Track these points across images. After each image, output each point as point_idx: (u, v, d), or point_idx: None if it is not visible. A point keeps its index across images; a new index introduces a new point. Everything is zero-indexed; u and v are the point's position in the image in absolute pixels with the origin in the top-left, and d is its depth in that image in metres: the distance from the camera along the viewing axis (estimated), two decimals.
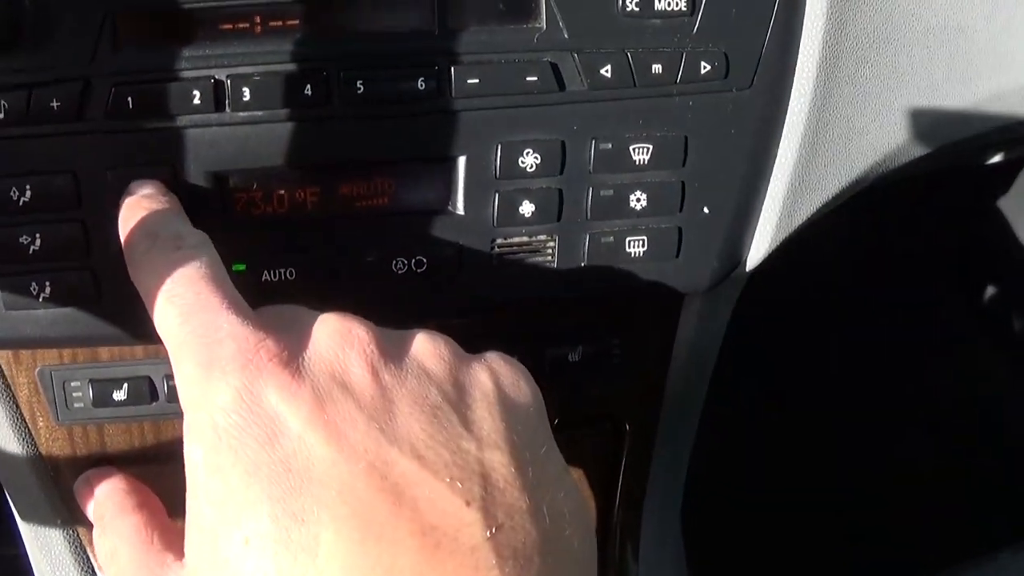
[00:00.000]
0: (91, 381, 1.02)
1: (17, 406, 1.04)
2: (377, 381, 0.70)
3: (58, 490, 1.08)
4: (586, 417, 1.08)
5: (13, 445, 1.06)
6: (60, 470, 1.07)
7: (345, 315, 0.75)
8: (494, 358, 0.78)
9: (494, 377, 0.73)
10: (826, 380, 1.87)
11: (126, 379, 1.02)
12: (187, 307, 0.71)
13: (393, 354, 0.71)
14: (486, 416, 0.70)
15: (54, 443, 1.06)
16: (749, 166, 0.96)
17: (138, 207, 0.84)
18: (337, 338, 0.70)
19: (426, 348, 0.73)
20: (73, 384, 1.03)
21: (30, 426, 1.05)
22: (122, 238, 0.83)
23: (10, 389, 1.04)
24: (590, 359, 1.03)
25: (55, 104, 0.83)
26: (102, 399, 1.02)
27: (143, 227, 0.82)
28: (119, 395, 1.02)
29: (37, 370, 1.03)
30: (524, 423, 0.72)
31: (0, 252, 0.89)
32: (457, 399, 0.71)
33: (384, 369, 0.70)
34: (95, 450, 1.06)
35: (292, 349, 0.69)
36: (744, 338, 1.18)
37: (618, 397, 1.09)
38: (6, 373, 1.03)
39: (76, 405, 1.03)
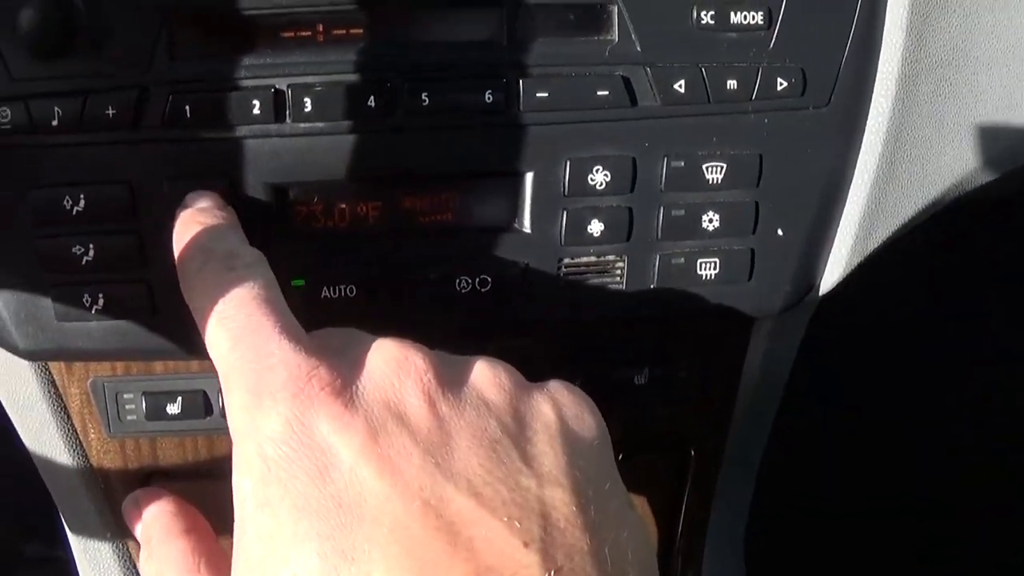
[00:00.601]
0: (144, 394, 0.98)
1: (68, 417, 1.01)
2: (434, 412, 0.65)
3: (108, 503, 1.05)
4: (650, 441, 1.04)
5: (63, 456, 1.02)
6: (111, 483, 1.04)
7: (402, 341, 0.70)
8: (557, 388, 0.73)
9: (557, 408, 0.69)
10: (894, 397, 1.85)
11: (180, 392, 0.99)
12: (238, 330, 0.68)
13: (451, 383, 0.67)
14: (547, 450, 0.66)
15: (105, 455, 1.02)
16: (825, 187, 0.90)
17: (193, 221, 0.80)
18: (393, 365, 0.66)
19: (486, 377, 0.68)
20: (126, 396, 0.99)
21: (81, 437, 1.02)
22: (175, 253, 0.79)
23: (61, 399, 1.00)
24: (656, 382, 0.99)
25: (110, 112, 0.80)
26: (155, 412, 0.98)
27: (197, 243, 0.77)
28: (173, 409, 0.98)
29: (89, 381, 0.99)
30: (587, 458, 0.68)
31: (52, 262, 0.86)
32: (517, 432, 0.67)
33: (442, 399, 0.66)
34: (147, 463, 1.03)
35: (346, 377, 0.65)
36: (813, 359, 1.12)
37: (683, 421, 1.04)
38: (58, 383, 0.99)
39: (129, 418, 0.99)
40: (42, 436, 1.02)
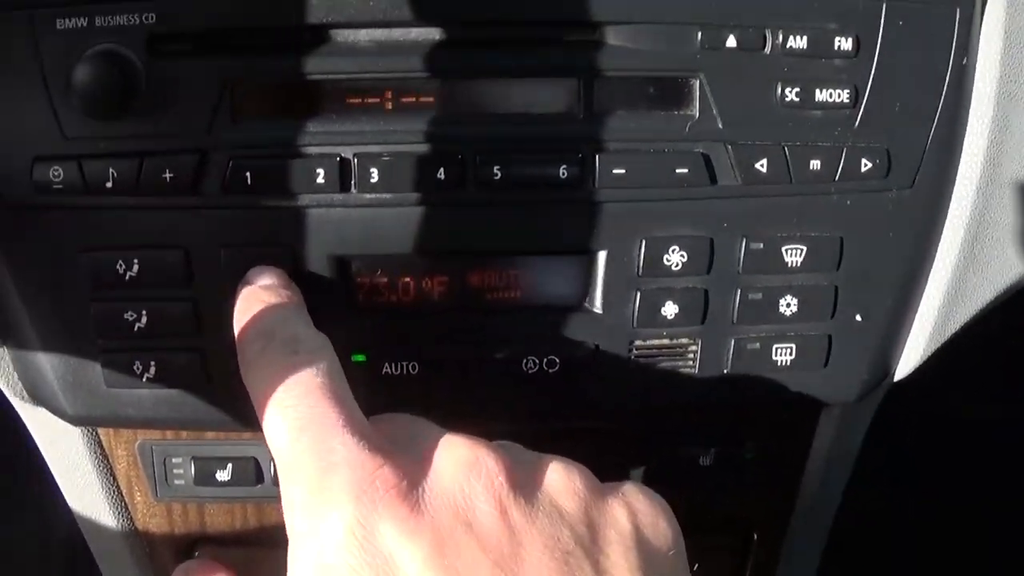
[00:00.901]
0: (194, 459, 0.94)
1: (114, 478, 0.96)
2: (505, 520, 0.61)
3: (153, 568, 1.00)
4: (711, 523, 0.97)
5: (108, 518, 0.98)
6: (156, 547, 0.99)
7: (473, 440, 0.65)
8: (632, 492, 0.67)
9: (632, 516, 0.65)
10: (968, 479, 1.75)
11: (231, 459, 0.93)
12: (299, 423, 0.64)
13: (524, 487, 0.63)
14: (621, 562, 0.62)
15: (151, 519, 0.98)
16: (905, 271, 0.86)
17: (255, 299, 0.74)
18: (463, 467, 0.62)
19: (560, 482, 0.64)
20: (174, 460, 0.94)
21: (127, 500, 0.97)
22: (236, 332, 0.73)
23: (107, 460, 0.95)
24: (722, 463, 0.95)
25: (168, 175, 0.77)
26: (204, 478, 0.94)
27: (258, 325, 0.72)
28: (223, 475, 0.94)
29: (137, 443, 0.94)
30: (661, 569, 0.64)
31: (103, 327, 0.81)
32: (591, 542, 0.62)
33: (513, 505, 0.62)
34: (194, 529, 0.98)
35: (412, 478, 0.61)
36: (883, 439, 1.09)
37: (747, 503, 1.00)
38: (104, 444, 0.95)
39: (177, 482, 0.95)
40: (87, 497, 0.97)
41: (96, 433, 0.94)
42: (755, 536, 1.03)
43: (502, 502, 0.62)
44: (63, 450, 0.95)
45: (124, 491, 0.96)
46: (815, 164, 0.81)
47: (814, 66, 0.80)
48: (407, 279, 0.82)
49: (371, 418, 0.68)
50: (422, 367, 0.83)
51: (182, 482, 0.94)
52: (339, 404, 0.64)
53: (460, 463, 0.62)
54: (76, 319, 0.81)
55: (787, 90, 0.80)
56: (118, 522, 0.97)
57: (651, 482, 0.88)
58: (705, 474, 0.95)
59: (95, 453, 0.94)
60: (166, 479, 0.94)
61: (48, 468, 0.97)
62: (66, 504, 0.98)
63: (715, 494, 0.97)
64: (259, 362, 0.68)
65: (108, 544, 1.00)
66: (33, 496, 1.33)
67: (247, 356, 0.70)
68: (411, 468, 0.62)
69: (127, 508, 0.97)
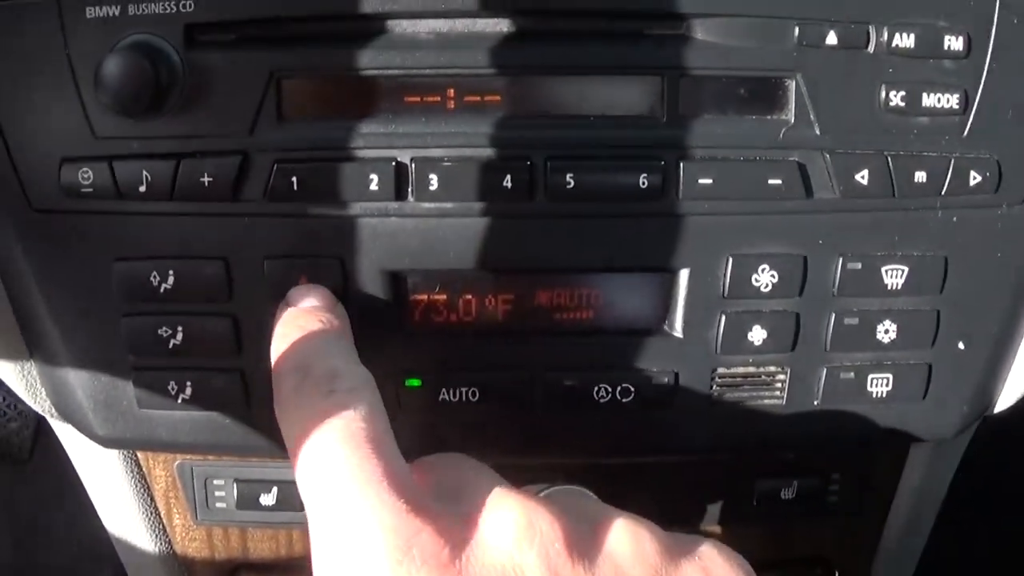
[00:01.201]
0: (236, 481, 0.87)
1: (152, 499, 0.89)
2: None
3: None
4: (791, 562, 0.93)
5: (146, 541, 0.91)
6: (195, 573, 0.93)
7: (528, 499, 0.56)
8: (709, 555, 0.58)
9: None
10: None
11: (276, 482, 0.87)
12: (331, 474, 0.57)
13: (585, 555, 0.55)
14: None
15: (190, 543, 0.91)
16: (1013, 295, 0.78)
17: (293, 326, 0.66)
18: (515, 534, 0.55)
19: (626, 547, 0.56)
20: (216, 483, 0.88)
21: (165, 522, 0.90)
22: (272, 362, 0.66)
23: (145, 481, 0.88)
24: (805, 497, 0.88)
25: (206, 179, 0.71)
26: (247, 502, 0.87)
27: (294, 356, 0.64)
28: (267, 499, 0.87)
29: (176, 463, 0.87)
30: None
31: (136, 344, 0.75)
32: None
33: None
34: (236, 555, 0.92)
35: (455, 543, 0.54)
36: (975, 469, 0.99)
37: (830, 539, 0.94)
38: (142, 463, 0.88)
39: (218, 505, 0.88)
40: (124, 519, 0.91)
41: (134, 452, 0.87)
42: (837, 574, 0.96)
43: (558, 573, 0.54)
44: (99, 469, 0.89)
45: (163, 513, 0.90)
46: (920, 176, 0.74)
47: (921, 67, 0.73)
48: (468, 297, 0.75)
49: (417, 461, 0.64)
50: (482, 394, 0.76)
51: (224, 505, 0.88)
52: (377, 453, 0.57)
53: (511, 527, 0.55)
54: (107, 334, 0.75)
55: (891, 94, 0.72)
56: (156, 546, 0.91)
57: (726, 519, 0.87)
58: (786, 508, 0.89)
59: (132, 473, 0.88)
60: (207, 502, 0.88)
61: (84, 488, 0.92)
62: (103, 526, 0.94)
63: (797, 529, 0.92)
64: (292, 400, 0.62)
65: (146, 569, 0.94)
66: (68, 518, 1.26)
67: (281, 393, 0.63)
68: (455, 530, 0.55)
69: (166, 531, 0.91)
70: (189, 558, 0.92)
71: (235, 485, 0.87)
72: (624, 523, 0.57)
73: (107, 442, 0.80)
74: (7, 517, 1.37)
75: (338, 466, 0.56)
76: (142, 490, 0.89)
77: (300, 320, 0.67)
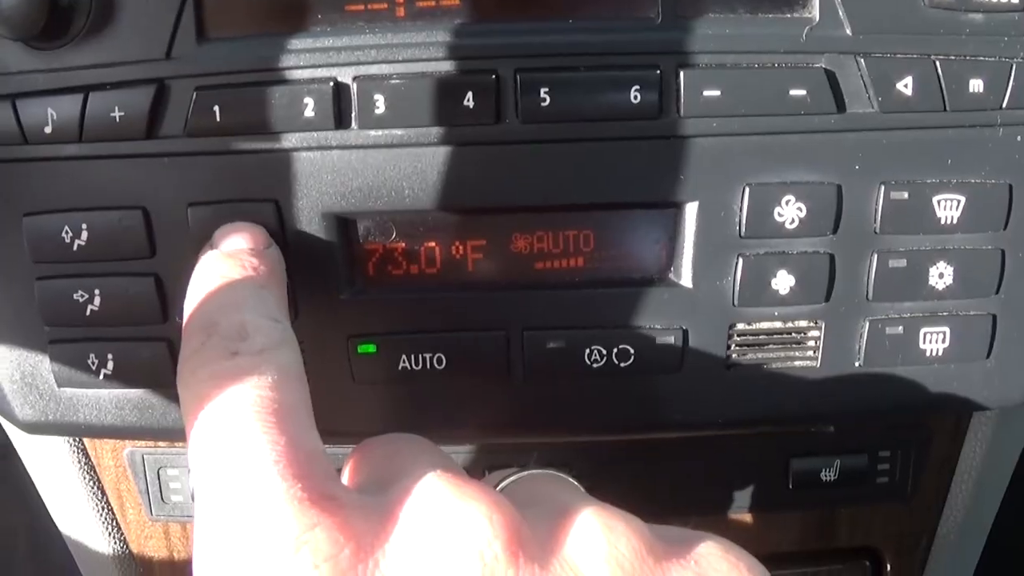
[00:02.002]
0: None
1: (103, 492, 0.81)
2: None
3: None
4: (836, 552, 0.85)
5: (99, 540, 0.83)
6: (153, 574, 0.85)
7: (468, 485, 0.46)
8: (710, 556, 0.48)
9: None
10: None
11: None
12: (220, 451, 0.48)
13: (536, 557, 0.45)
14: None
15: (146, 541, 0.83)
16: None
17: (211, 272, 0.57)
18: (444, 529, 0.45)
19: (593, 547, 0.46)
20: (170, 472, 0.80)
21: (118, 518, 0.82)
22: (183, 319, 0.57)
23: (94, 471, 0.80)
24: (849, 478, 0.79)
25: (117, 115, 0.63)
26: None
27: (202, 312, 0.55)
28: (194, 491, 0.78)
29: (126, 451, 0.79)
30: None
31: (49, 311, 0.66)
32: None
33: None
34: None
35: (360, 544, 0.44)
36: None
37: (879, 527, 0.85)
38: (89, 452, 0.80)
39: (174, 498, 0.80)
40: (75, 515, 0.83)
41: (80, 439, 0.79)
42: (888, 567, 0.87)
43: None
44: (43, 458, 0.81)
45: (115, 508, 0.82)
46: (976, 85, 0.64)
47: None
48: (430, 244, 0.67)
49: (357, 446, 0.55)
50: (449, 360, 0.67)
51: (180, 499, 0.81)
52: (278, 428, 0.48)
53: (440, 521, 0.45)
54: (20, 302, 0.67)
55: None
56: (110, 544, 0.84)
57: (756, 506, 0.79)
58: (828, 491, 0.80)
59: (80, 463, 0.80)
60: (160, 495, 0.81)
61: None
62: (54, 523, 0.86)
63: (839, 518, 0.83)
64: (191, 364, 0.52)
65: (100, 570, 0.86)
66: (20, 518, 1.18)
67: (181, 355, 0.54)
68: (364, 528, 0.45)
69: (119, 528, 0.83)
70: (146, 557, 0.84)
71: (191, 475, 0.76)
72: (595, 516, 0.47)
73: (29, 427, 0.71)
74: None
75: (227, 442, 0.48)
76: (91, 482, 0.81)
77: (218, 266, 0.58)
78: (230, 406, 0.49)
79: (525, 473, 0.53)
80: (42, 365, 0.68)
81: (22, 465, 0.84)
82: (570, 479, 0.54)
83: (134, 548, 0.83)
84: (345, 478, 0.53)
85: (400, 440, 0.54)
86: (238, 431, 0.48)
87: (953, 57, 0.64)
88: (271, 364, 0.51)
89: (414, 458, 0.51)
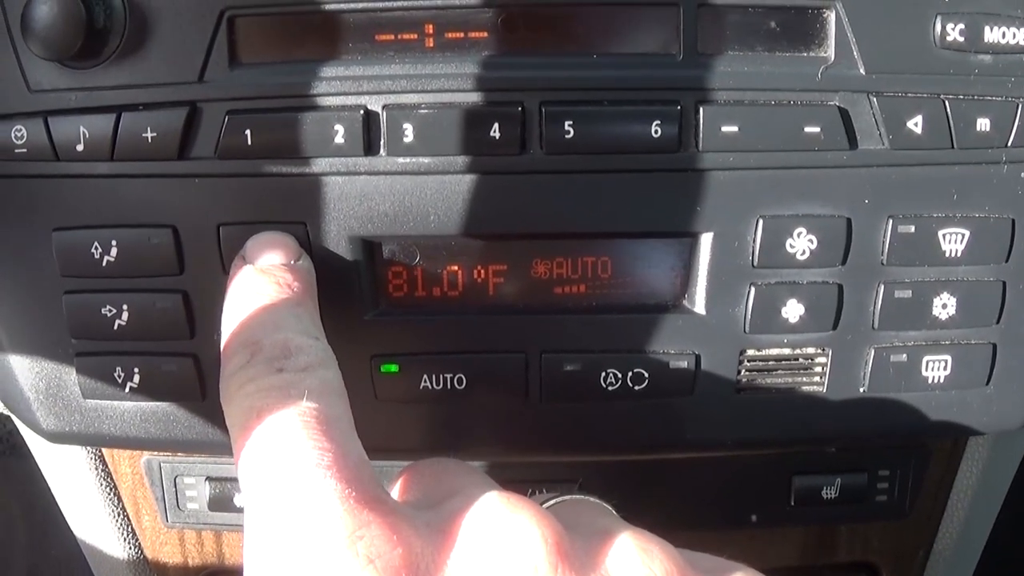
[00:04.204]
0: (208, 479, 0.78)
1: (119, 499, 0.80)
2: None
3: None
4: (834, 566, 0.84)
5: (114, 546, 0.82)
6: None
7: (520, 504, 0.47)
8: None
9: None
10: None
11: None
12: (272, 469, 0.48)
13: (579, 572, 0.46)
14: None
15: (161, 547, 0.82)
16: None
17: (247, 289, 0.57)
18: (497, 543, 0.46)
19: (632, 567, 0.47)
20: (186, 481, 0.79)
21: (134, 524, 0.81)
22: (221, 337, 0.56)
23: (111, 478, 0.79)
24: (849, 496, 0.78)
25: (150, 135, 0.62)
26: (221, 502, 0.79)
27: (243, 330, 0.55)
28: (242, 500, 0.76)
29: (143, 459, 0.78)
30: None
31: (77, 325, 0.65)
32: None
33: None
34: (210, 560, 0.83)
35: (413, 547, 0.45)
36: None
37: (877, 543, 0.84)
38: (107, 459, 0.79)
39: (189, 506, 0.79)
40: (90, 521, 0.82)
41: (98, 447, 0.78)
42: None
43: None
44: (60, 465, 0.80)
45: (131, 514, 0.81)
46: (983, 124, 0.64)
47: None
48: (453, 268, 0.66)
49: (403, 468, 0.56)
50: (470, 381, 0.67)
51: (195, 506, 0.80)
52: (327, 437, 0.49)
53: (496, 534, 0.46)
54: (48, 315, 0.67)
55: (948, 26, 0.63)
56: (125, 550, 0.83)
57: (759, 521, 0.78)
58: (828, 508, 0.79)
59: (97, 469, 0.79)
60: (176, 502, 0.80)
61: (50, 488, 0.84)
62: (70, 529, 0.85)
63: (839, 534, 0.83)
64: (237, 381, 0.52)
65: (115, 575, 0.85)
66: (36, 520, 1.17)
67: (225, 372, 0.54)
68: (415, 534, 0.46)
69: (135, 534, 0.82)
70: (161, 563, 0.83)
71: (207, 484, 0.78)
72: (633, 540, 0.48)
73: (52, 436, 0.70)
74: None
75: (279, 450, 0.48)
76: (108, 489, 0.80)
77: (254, 283, 0.58)
78: (280, 418, 0.49)
79: (567, 497, 0.54)
80: (67, 376, 0.67)
81: (27, 464, 0.83)
82: (608, 507, 0.55)
83: (149, 554, 0.82)
84: (395, 495, 0.54)
85: (448, 463, 0.55)
86: (289, 440, 0.48)
87: (962, 97, 0.63)
88: (315, 379, 0.51)
89: (464, 479, 0.52)
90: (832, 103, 0.63)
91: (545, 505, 0.52)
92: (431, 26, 0.62)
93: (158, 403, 0.67)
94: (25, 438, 0.81)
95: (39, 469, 0.82)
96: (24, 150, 0.62)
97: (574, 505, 0.53)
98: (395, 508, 0.47)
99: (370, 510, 0.45)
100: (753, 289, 0.65)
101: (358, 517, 0.45)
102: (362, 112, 0.61)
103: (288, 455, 0.48)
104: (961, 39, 0.63)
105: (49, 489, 0.84)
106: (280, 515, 0.47)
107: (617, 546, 0.47)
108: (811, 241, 0.64)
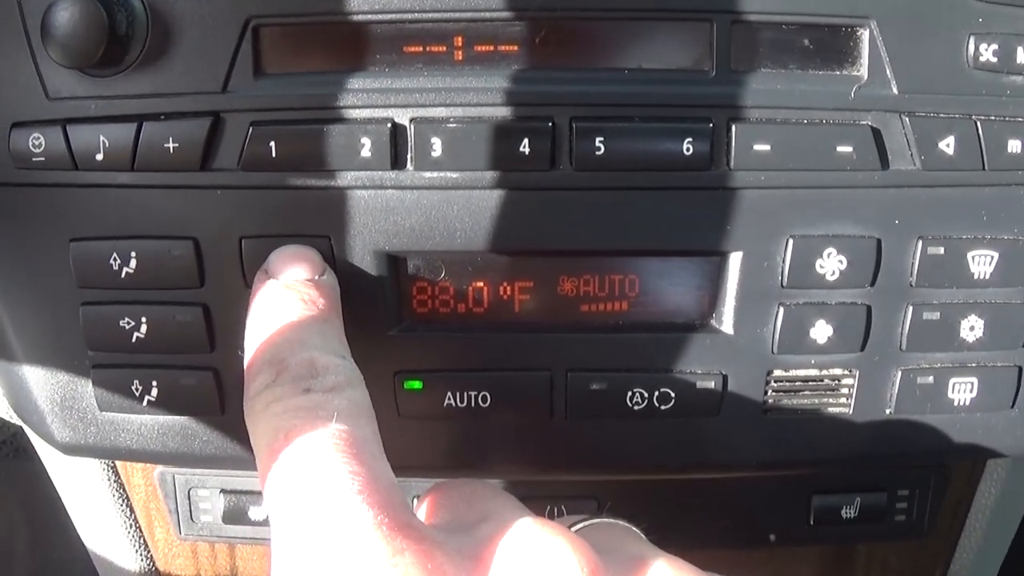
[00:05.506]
0: (222, 492, 0.76)
1: (132, 511, 0.78)
2: None
3: None
4: None
5: (126, 557, 0.80)
6: None
7: (553, 529, 0.45)
8: None
9: None
10: None
11: None
12: (303, 483, 0.46)
13: None
14: None
15: (174, 560, 0.80)
16: None
17: (271, 305, 0.55)
18: (532, 566, 0.45)
19: None
20: (200, 493, 0.77)
21: (146, 536, 0.79)
22: (245, 354, 0.54)
23: (124, 490, 0.77)
24: (868, 516, 0.76)
25: (171, 145, 0.60)
26: (235, 515, 0.76)
27: (269, 348, 0.53)
28: (256, 513, 0.76)
29: (157, 472, 0.76)
30: None
31: (94, 337, 0.63)
32: None
33: None
34: (223, 573, 0.81)
35: (446, 572, 0.43)
36: None
37: (896, 562, 0.82)
38: (120, 471, 0.77)
39: (203, 518, 0.77)
40: (102, 533, 0.80)
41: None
42: None
43: None
44: (74, 476, 0.78)
45: (144, 526, 0.79)
46: (1014, 146, 0.62)
47: (1016, 17, 0.61)
48: (478, 284, 0.64)
49: (429, 489, 0.55)
50: (495, 399, 0.64)
51: (209, 519, 0.78)
52: (358, 460, 0.47)
53: (529, 562, 0.45)
54: (64, 326, 0.64)
55: (982, 47, 0.61)
56: (137, 562, 0.81)
57: (777, 539, 0.77)
58: (847, 528, 0.77)
59: (110, 481, 0.77)
60: (190, 514, 0.78)
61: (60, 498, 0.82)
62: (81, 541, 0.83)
63: (857, 553, 0.81)
64: (263, 400, 0.50)
65: None
66: (43, 532, 1.15)
67: (251, 391, 0.52)
68: (449, 561, 0.44)
69: (147, 546, 0.80)
70: None
71: (221, 496, 0.76)
72: (670, 567, 0.47)
73: (67, 449, 0.68)
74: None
75: (309, 472, 0.47)
76: (121, 500, 0.78)
77: (279, 299, 0.56)
78: (310, 440, 0.47)
79: (597, 520, 0.52)
80: (83, 389, 0.65)
81: (31, 467, 0.82)
82: (638, 531, 0.53)
83: (161, 566, 0.80)
84: (421, 516, 0.52)
85: (477, 485, 0.53)
86: (320, 464, 0.46)
87: (994, 118, 0.62)
88: (344, 400, 0.50)
89: (494, 502, 0.50)
90: (865, 122, 0.61)
91: (574, 528, 0.51)
92: (460, 39, 0.60)
93: (176, 417, 0.65)
94: (37, 448, 0.79)
95: (44, 473, 0.80)
96: (42, 158, 0.60)
97: (604, 529, 0.51)
98: (428, 534, 0.45)
99: (404, 537, 0.44)
100: (782, 309, 0.63)
101: (392, 544, 0.43)
102: (389, 125, 0.59)
103: (319, 480, 0.46)
104: (994, 59, 0.61)
105: (53, 493, 0.81)
106: (313, 542, 0.45)
107: (652, 574, 0.46)
108: (841, 261, 0.62)
